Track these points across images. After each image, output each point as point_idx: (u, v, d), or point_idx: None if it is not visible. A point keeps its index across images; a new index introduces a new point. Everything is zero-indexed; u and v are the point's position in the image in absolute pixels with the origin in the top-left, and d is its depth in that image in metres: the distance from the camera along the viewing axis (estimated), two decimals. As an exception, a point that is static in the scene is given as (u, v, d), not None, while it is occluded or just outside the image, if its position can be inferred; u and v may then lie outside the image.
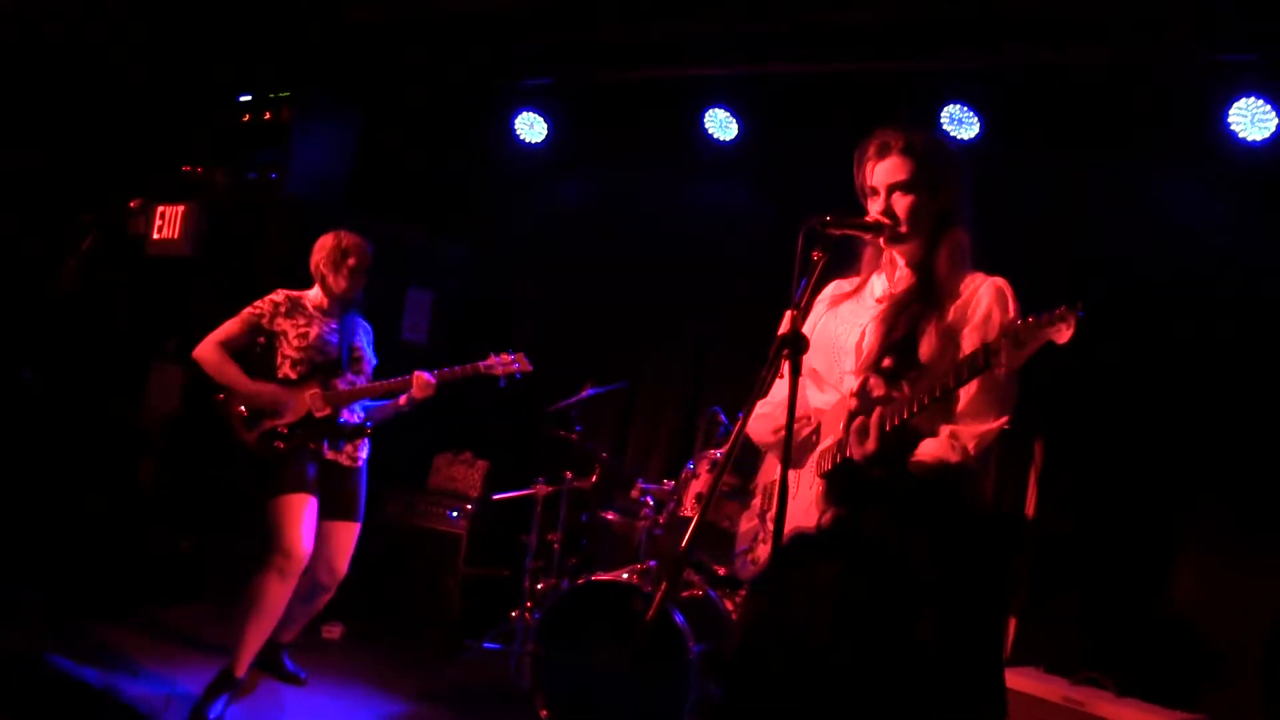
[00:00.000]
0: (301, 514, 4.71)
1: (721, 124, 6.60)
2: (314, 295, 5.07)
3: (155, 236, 6.87)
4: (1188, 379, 5.35)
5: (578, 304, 7.22)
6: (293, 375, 4.92)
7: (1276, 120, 5.16)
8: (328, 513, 4.90)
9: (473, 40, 6.81)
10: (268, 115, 6.75)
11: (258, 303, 4.98)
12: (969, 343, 2.82)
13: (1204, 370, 5.32)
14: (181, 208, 6.81)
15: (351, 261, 5.00)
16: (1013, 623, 5.18)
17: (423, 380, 4.99)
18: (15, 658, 4.70)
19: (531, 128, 7.21)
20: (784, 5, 5.78)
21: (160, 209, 6.86)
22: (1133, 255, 5.61)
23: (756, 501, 3.21)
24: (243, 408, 4.88)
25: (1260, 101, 5.18)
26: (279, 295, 5.01)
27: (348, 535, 5.00)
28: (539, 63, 6.92)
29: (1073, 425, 5.48)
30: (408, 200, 7.39)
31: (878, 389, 2.83)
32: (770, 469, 3.20)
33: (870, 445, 2.69)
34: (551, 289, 7.39)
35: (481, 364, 5.12)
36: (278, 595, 4.66)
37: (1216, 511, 5.24)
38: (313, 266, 5.05)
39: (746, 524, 3.19)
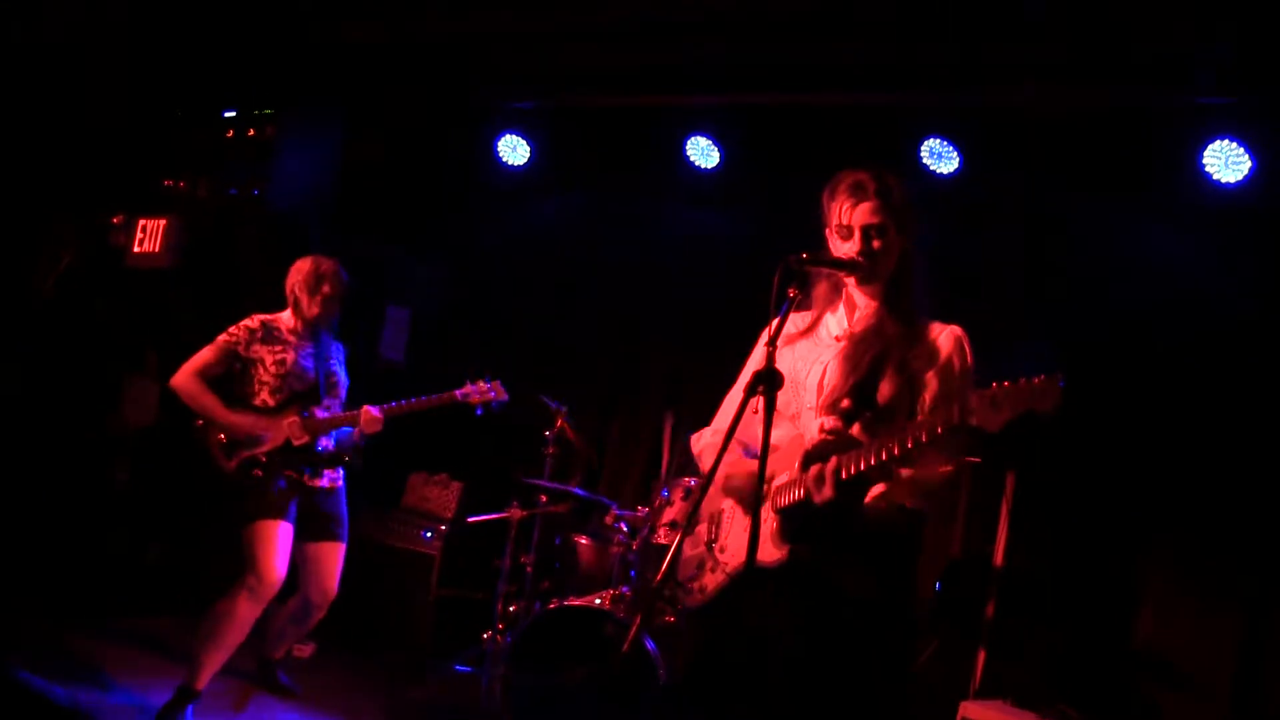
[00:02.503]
0: (276, 539, 4.74)
1: (703, 152, 6.64)
2: (287, 319, 5.07)
3: (135, 249, 6.86)
4: (1159, 415, 5.42)
5: (555, 328, 7.23)
6: (271, 402, 4.92)
7: (1250, 163, 5.25)
8: (313, 535, 4.97)
9: (458, 62, 6.84)
10: (251, 132, 6.76)
11: (232, 329, 4.98)
12: (929, 390, 2.88)
13: (1175, 406, 5.39)
14: (163, 221, 6.81)
15: (326, 289, 5.01)
16: (981, 655, 5.20)
17: (369, 416, 4.99)
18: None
19: (514, 150, 7.22)
20: (769, 37, 5.83)
21: (141, 221, 6.85)
22: (1107, 292, 5.67)
23: (702, 529, 3.23)
24: (222, 435, 4.88)
25: (1234, 144, 5.26)
26: (254, 321, 5.00)
27: (334, 556, 5.03)
28: (523, 86, 6.95)
29: (1044, 459, 5.52)
30: (389, 218, 7.40)
31: (839, 431, 2.87)
32: (715, 498, 3.24)
33: (828, 492, 2.72)
34: (529, 311, 7.40)
35: (458, 392, 5.13)
36: (246, 616, 4.69)
37: (1182, 544, 5.32)
38: (288, 289, 5.06)
39: (691, 551, 3.21)
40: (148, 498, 6.59)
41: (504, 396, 5.18)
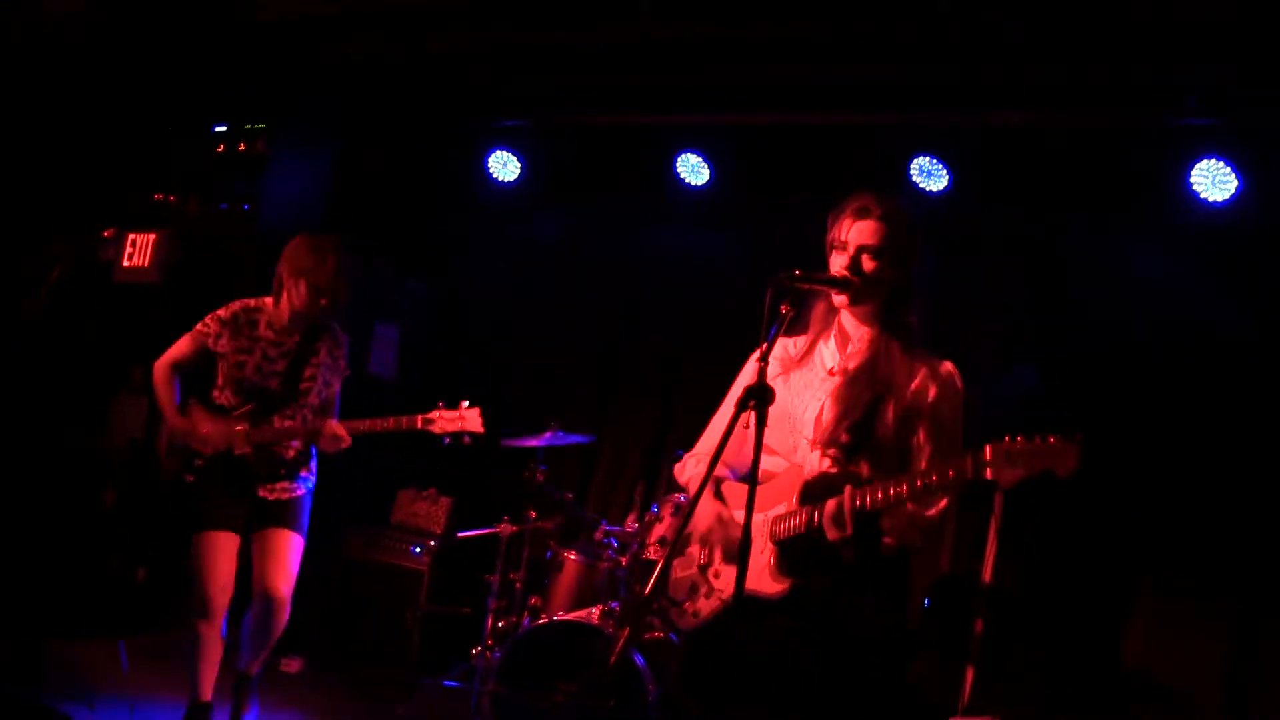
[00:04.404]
0: (215, 553, 4.43)
1: (693, 169, 6.64)
2: (270, 309, 4.59)
3: (125, 264, 6.84)
4: (1148, 432, 5.44)
5: (546, 343, 7.23)
6: (233, 401, 4.54)
7: (1236, 182, 5.29)
8: (262, 525, 4.52)
9: (450, 81, 6.85)
10: (242, 147, 6.77)
11: (208, 319, 4.60)
12: (924, 426, 2.95)
13: (1165, 424, 5.42)
14: (152, 236, 6.79)
15: (313, 279, 4.43)
16: (969, 672, 5.20)
17: (331, 432, 4.42)
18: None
19: (505, 166, 7.20)
20: (758, 56, 5.86)
21: (131, 236, 6.83)
22: (1096, 310, 5.70)
23: (694, 550, 3.21)
24: (170, 433, 4.63)
25: (1221, 164, 5.31)
26: (227, 312, 4.59)
27: (283, 544, 4.50)
28: (515, 103, 6.96)
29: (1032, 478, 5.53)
30: (379, 234, 7.39)
31: (837, 465, 2.93)
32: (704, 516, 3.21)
33: (848, 530, 2.76)
34: (520, 327, 7.40)
35: (420, 417, 4.41)
36: (207, 635, 4.45)
37: (1172, 562, 5.34)
38: (275, 273, 4.56)
39: (683, 572, 3.21)
40: (137, 515, 6.56)
41: (478, 429, 4.40)
